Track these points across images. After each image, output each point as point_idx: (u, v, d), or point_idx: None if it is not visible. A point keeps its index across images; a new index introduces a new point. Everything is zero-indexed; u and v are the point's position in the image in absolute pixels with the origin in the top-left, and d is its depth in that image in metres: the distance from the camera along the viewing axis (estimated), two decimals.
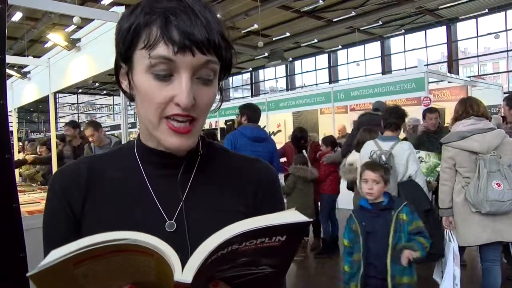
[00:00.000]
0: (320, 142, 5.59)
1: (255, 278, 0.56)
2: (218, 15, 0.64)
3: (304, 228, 0.52)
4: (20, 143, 7.23)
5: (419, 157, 3.55)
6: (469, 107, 2.90)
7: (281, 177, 5.26)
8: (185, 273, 0.46)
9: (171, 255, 0.47)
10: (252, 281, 0.57)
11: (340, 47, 19.50)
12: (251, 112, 3.85)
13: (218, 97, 0.71)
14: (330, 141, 5.23)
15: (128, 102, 3.51)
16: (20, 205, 1.92)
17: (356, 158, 3.67)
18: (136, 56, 0.62)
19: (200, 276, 0.48)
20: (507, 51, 15.73)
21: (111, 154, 0.77)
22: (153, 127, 0.64)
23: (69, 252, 0.44)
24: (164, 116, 0.62)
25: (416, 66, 8.61)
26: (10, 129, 2.78)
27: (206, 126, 11.50)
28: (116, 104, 26.55)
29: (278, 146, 6.19)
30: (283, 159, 5.56)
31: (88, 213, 0.69)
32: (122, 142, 3.29)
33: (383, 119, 3.33)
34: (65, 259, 0.44)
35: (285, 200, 4.57)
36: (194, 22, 0.59)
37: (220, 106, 0.74)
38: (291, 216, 0.50)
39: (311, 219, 0.51)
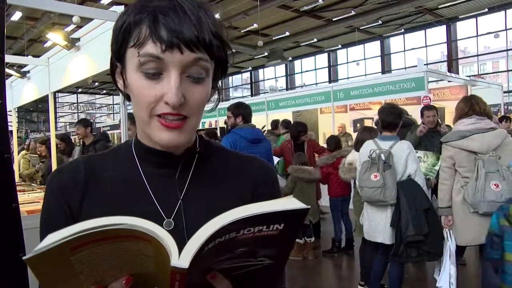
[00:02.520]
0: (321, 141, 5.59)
1: (253, 270, 0.56)
2: (214, 15, 0.64)
3: (302, 215, 0.51)
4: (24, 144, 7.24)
5: (417, 157, 3.54)
6: (475, 105, 2.87)
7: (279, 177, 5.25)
8: (181, 258, 0.46)
9: (168, 240, 0.47)
10: (250, 273, 0.56)
11: (339, 46, 19.49)
12: (246, 112, 3.74)
13: (215, 96, 0.71)
14: (333, 142, 5.08)
15: (126, 102, 3.51)
16: (20, 205, 1.92)
17: (355, 158, 3.67)
18: (128, 54, 0.63)
19: (197, 266, 0.48)
20: (507, 50, 15.73)
21: (109, 153, 0.77)
22: (145, 125, 0.65)
23: (66, 236, 0.44)
24: (155, 114, 0.63)
25: (416, 66, 8.60)
26: (10, 128, 2.78)
27: (206, 126, 11.50)
28: (115, 104, 26.54)
29: None
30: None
31: (86, 212, 0.69)
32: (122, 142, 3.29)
33: (380, 120, 3.31)
34: (62, 243, 0.44)
35: None
36: (183, 20, 0.59)
37: (217, 105, 0.74)
38: (288, 203, 0.50)
39: (309, 206, 0.50)
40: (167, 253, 0.46)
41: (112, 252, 0.48)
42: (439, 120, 4.66)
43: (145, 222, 0.47)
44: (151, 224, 0.47)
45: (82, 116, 28.31)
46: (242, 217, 0.47)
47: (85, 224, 0.45)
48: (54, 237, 0.44)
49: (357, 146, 3.72)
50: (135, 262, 0.51)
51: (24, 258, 0.43)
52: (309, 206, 0.50)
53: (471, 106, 2.88)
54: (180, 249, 0.47)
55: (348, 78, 19.26)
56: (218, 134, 8.97)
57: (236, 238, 0.49)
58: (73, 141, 6.00)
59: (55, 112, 6.63)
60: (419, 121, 5.51)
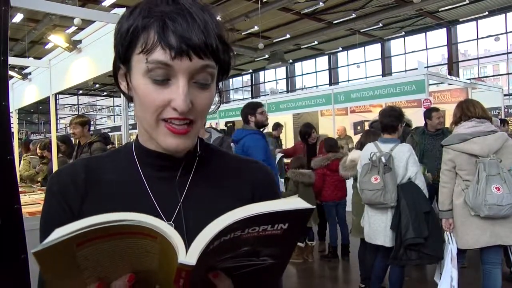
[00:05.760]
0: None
1: (255, 270, 0.56)
2: (217, 17, 0.64)
3: (307, 215, 0.52)
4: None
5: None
6: (466, 110, 2.92)
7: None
8: (189, 255, 0.46)
9: (175, 237, 0.47)
10: (252, 273, 0.56)
11: (340, 49, 19.52)
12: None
13: (216, 99, 0.71)
14: (328, 145, 4.78)
15: (127, 103, 3.53)
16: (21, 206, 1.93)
17: (358, 155, 3.66)
18: (134, 59, 0.63)
19: (202, 263, 0.48)
20: (507, 53, 15.76)
21: (109, 155, 0.77)
22: (151, 129, 0.65)
23: (75, 230, 0.44)
24: (162, 119, 0.63)
25: (416, 68, 8.62)
26: (11, 130, 2.78)
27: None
28: (116, 106, 26.56)
29: None
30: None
31: (86, 214, 0.67)
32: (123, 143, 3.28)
33: (380, 122, 3.31)
34: (70, 238, 0.44)
35: None
36: (191, 25, 0.59)
37: (219, 107, 0.75)
38: (294, 202, 0.50)
39: (314, 206, 0.50)
40: (174, 250, 0.46)
41: (116, 249, 0.49)
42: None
43: (153, 219, 0.47)
44: (158, 221, 0.47)
45: None
46: (250, 215, 0.48)
47: (94, 219, 0.45)
48: (62, 231, 0.44)
49: (361, 148, 3.71)
50: (139, 259, 0.51)
51: (32, 251, 0.43)
52: (314, 206, 0.51)
53: (462, 111, 2.94)
54: None
55: (348, 80, 19.27)
56: None
57: (240, 237, 0.50)
58: (73, 142, 5.97)
59: (56, 114, 6.61)
60: (416, 123, 5.49)
